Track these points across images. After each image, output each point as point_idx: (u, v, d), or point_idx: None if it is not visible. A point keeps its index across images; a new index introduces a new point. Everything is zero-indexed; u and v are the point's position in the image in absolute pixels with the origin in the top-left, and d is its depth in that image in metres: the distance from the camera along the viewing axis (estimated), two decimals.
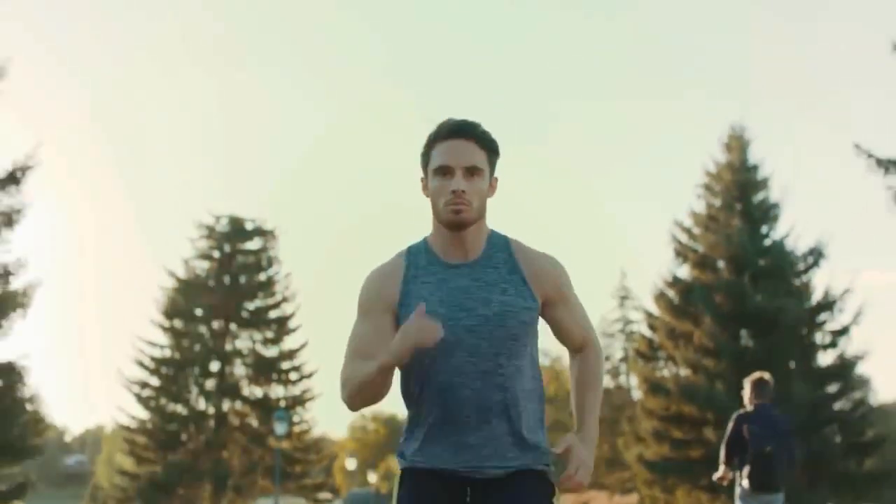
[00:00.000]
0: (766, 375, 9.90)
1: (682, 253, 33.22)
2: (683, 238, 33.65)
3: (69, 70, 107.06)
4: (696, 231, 33.40)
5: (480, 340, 3.27)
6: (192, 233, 40.96)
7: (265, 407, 39.44)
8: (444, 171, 3.29)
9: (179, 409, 39.18)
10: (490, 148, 3.35)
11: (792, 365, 30.82)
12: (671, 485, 32.19)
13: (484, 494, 3.31)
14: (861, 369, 35.24)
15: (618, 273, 51.65)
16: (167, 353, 39.49)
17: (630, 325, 45.71)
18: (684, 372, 32.54)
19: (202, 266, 40.48)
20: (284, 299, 40.65)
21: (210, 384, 39.54)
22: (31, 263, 21.19)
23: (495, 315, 3.27)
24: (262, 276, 40.54)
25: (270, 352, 40.18)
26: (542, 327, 3.48)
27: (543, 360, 56.87)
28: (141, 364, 39.04)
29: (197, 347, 39.49)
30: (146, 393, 39.09)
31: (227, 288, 39.86)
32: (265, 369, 39.85)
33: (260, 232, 40.86)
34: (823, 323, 31.99)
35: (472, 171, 3.29)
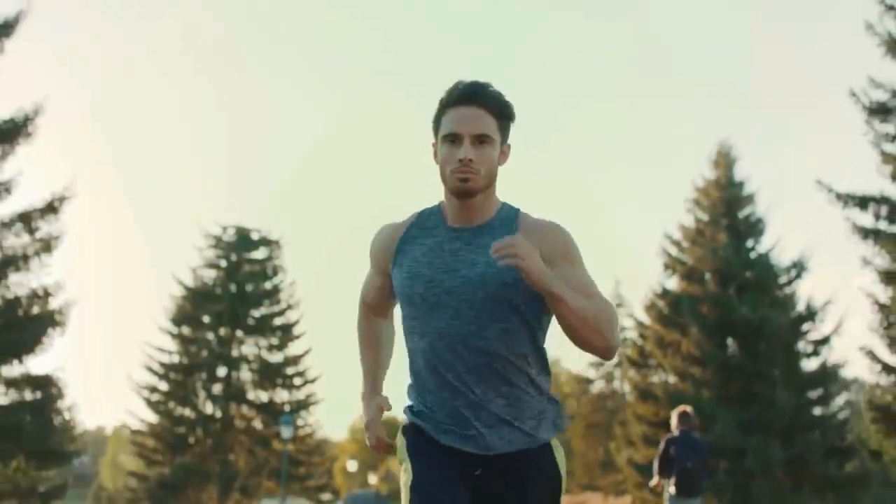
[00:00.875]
0: (689, 409, 12.46)
1: (670, 265, 35.50)
2: (673, 251, 35.93)
3: (68, 70, 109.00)
4: (685, 244, 35.67)
5: (461, 302, 3.28)
6: (199, 242, 43.17)
7: (270, 411, 41.65)
8: (453, 139, 3.30)
9: (187, 412, 41.28)
10: (502, 114, 3.34)
11: (776, 372, 33.01)
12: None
13: (483, 464, 3.30)
14: (855, 371, 37.39)
15: (612, 281, 53.71)
16: (175, 358, 41.62)
17: (623, 331, 47.92)
18: (672, 379, 34.83)
19: (209, 275, 42.65)
20: (289, 307, 42.85)
21: (217, 389, 41.67)
22: (68, 284, 23.44)
23: (477, 276, 3.27)
24: (268, 285, 42.72)
25: (275, 357, 42.36)
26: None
27: None
28: (150, 369, 41.16)
29: (204, 353, 41.60)
30: (155, 397, 41.21)
31: (234, 296, 41.98)
32: (270, 374, 42.02)
33: (265, 242, 43.06)
34: (806, 332, 34.23)
35: (480, 139, 3.29)
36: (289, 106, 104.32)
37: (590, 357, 54.46)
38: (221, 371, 41.75)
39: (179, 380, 41.52)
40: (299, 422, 41.80)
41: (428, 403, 3.35)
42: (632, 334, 42.48)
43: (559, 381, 65.04)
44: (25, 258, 20.95)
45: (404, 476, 3.34)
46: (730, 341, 34.00)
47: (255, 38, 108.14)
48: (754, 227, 35.01)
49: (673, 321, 34.82)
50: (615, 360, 50.74)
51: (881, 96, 19.50)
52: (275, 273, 42.99)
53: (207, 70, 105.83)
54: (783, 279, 34.54)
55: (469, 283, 3.27)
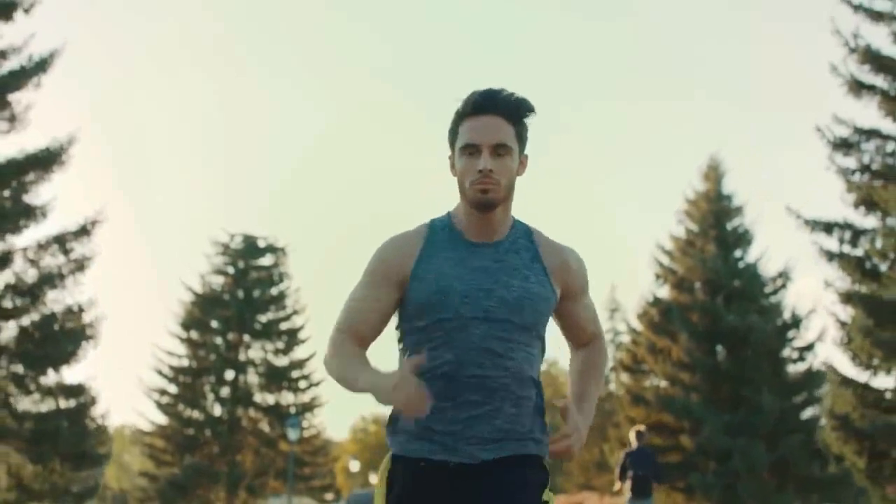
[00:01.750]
0: (643, 428, 15.46)
1: (662, 275, 37.87)
2: (665, 260, 38.29)
3: (67, 71, 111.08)
4: (676, 254, 38.04)
5: (494, 323, 3.26)
6: (207, 249, 45.51)
7: (276, 413, 43.95)
8: (471, 150, 3.27)
9: (196, 414, 43.54)
10: (519, 121, 3.33)
11: (762, 378, 35.32)
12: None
13: (476, 475, 3.27)
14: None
15: (608, 287, 56.05)
16: (185, 362, 43.89)
17: (619, 336, 50.31)
18: (663, 384, 37.19)
19: (217, 281, 44.93)
20: (294, 312, 45.18)
21: (225, 391, 43.95)
22: (100, 301, 25.76)
23: (514, 300, 3.28)
24: (274, 291, 45.02)
25: (281, 361, 44.66)
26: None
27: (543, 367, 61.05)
28: (160, 373, 43.41)
29: (213, 357, 43.85)
30: (165, 399, 43.47)
31: (241, 301, 44.24)
32: (276, 378, 44.32)
33: (272, 249, 45.37)
34: (791, 339, 36.58)
35: (499, 150, 3.27)
36: (289, 107, 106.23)
37: None
38: (229, 374, 43.99)
39: (188, 383, 43.75)
40: (304, 423, 44.03)
41: (429, 420, 3.24)
42: (625, 339, 44.95)
43: (558, 381, 67.34)
44: (61, 277, 23.38)
45: None
46: (718, 348, 36.35)
47: (255, 39, 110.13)
48: (742, 239, 37.37)
49: (664, 328, 37.17)
50: (611, 363, 53.16)
51: (844, 132, 21.87)
52: (281, 279, 45.27)
53: (207, 71, 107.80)
54: (769, 288, 36.90)
55: (506, 305, 3.27)
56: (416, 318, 3.33)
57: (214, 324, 44.28)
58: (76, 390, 24.09)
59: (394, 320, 3.43)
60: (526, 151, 3.41)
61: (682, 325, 35.95)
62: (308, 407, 44.58)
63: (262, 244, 45.34)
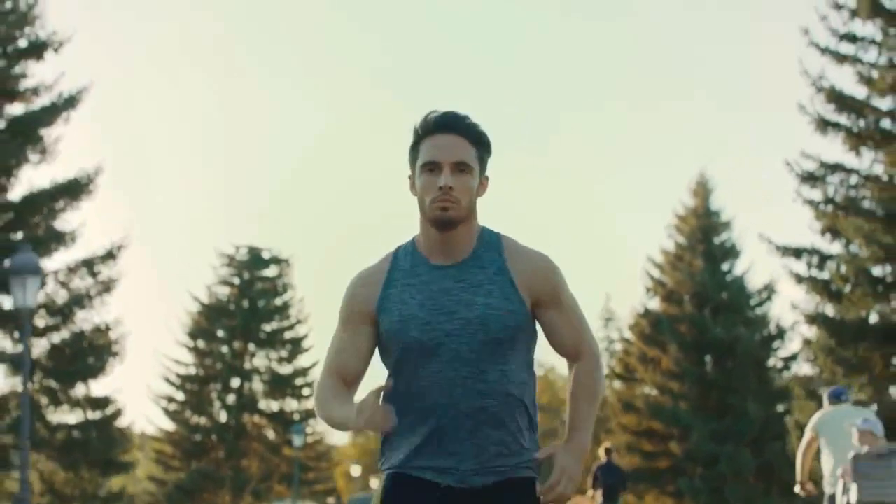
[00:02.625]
0: (611, 444, 18.48)
1: (652, 288, 40.42)
2: (655, 273, 40.80)
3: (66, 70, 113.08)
4: (666, 268, 40.57)
5: (461, 345, 3.26)
6: (213, 260, 47.94)
7: (281, 420, 46.41)
8: (431, 167, 3.30)
9: (203, 421, 45.82)
10: (480, 143, 3.35)
11: (748, 387, 37.82)
12: (642, 491, 39.39)
13: (468, 500, 3.30)
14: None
15: (602, 297, 58.60)
16: (192, 370, 46.19)
17: (613, 344, 52.80)
18: (653, 392, 39.72)
19: (223, 291, 47.33)
20: (298, 321, 47.63)
21: (231, 399, 46.26)
22: (125, 322, 28.36)
23: (477, 318, 3.26)
24: (278, 301, 47.46)
25: (285, 369, 47.05)
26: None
27: (536, 370, 63.45)
28: (168, 380, 45.75)
29: (219, 365, 46.15)
30: (172, 407, 45.83)
31: (246, 311, 46.62)
32: (281, 385, 46.71)
33: (276, 260, 47.78)
34: (776, 350, 39.14)
35: (460, 168, 3.29)
36: (289, 110, 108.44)
37: None
38: (235, 382, 46.31)
39: (195, 390, 46.06)
40: (307, 430, 46.47)
41: (413, 450, 3.33)
42: (619, 347, 47.56)
43: (556, 387, 69.69)
44: (89, 298, 25.85)
45: None
46: (706, 358, 38.90)
47: (255, 40, 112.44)
48: (729, 253, 39.90)
49: (654, 339, 39.70)
50: (606, 370, 55.84)
51: (811, 166, 24.31)
52: (285, 290, 47.70)
53: (206, 72, 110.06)
54: (755, 301, 39.45)
55: (469, 325, 3.26)
56: (388, 350, 3.38)
57: (220, 333, 46.54)
58: (103, 402, 26.64)
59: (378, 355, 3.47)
60: (487, 173, 3.42)
61: (672, 336, 38.45)
62: (311, 414, 46.80)
63: (266, 256, 47.73)
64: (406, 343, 3.31)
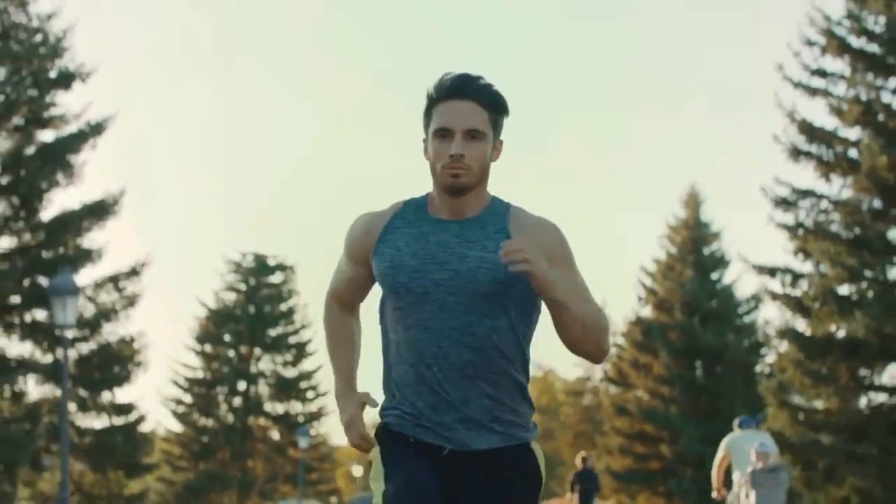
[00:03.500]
0: (586, 453, 21.33)
1: (644, 297, 43.14)
2: (647, 282, 43.47)
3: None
4: (658, 277, 43.22)
5: (448, 296, 3.33)
6: (220, 267, 50.58)
7: (286, 422, 49.07)
8: (444, 134, 3.35)
9: (210, 423, 48.53)
10: (494, 107, 3.40)
11: (736, 392, 40.42)
12: (634, 492, 42.11)
13: (462, 462, 3.37)
14: None
15: (599, 300, 61.19)
16: (199, 374, 48.87)
17: (609, 348, 55.60)
18: (645, 397, 42.38)
19: (230, 297, 49.98)
20: (303, 326, 50.26)
21: (237, 401, 48.99)
22: (148, 334, 31.08)
23: (468, 270, 3.32)
24: (283, 307, 50.10)
25: (290, 373, 49.74)
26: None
27: (535, 372, 66.17)
28: (176, 384, 48.38)
29: (225, 369, 48.78)
30: (181, 409, 48.46)
31: (252, 317, 49.21)
32: (286, 388, 49.38)
33: (281, 267, 50.43)
34: (764, 356, 41.76)
35: (472, 134, 3.34)
36: (289, 111, 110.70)
37: (581, 371, 62.27)
38: (241, 385, 48.97)
39: (203, 393, 48.73)
40: (312, 432, 49.07)
41: (406, 399, 3.40)
42: (612, 352, 50.26)
43: (554, 388, 72.40)
44: (115, 312, 28.50)
45: (380, 485, 3.41)
46: (696, 364, 41.54)
47: (254, 41, 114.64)
48: (718, 262, 42.55)
49: (646, 346, 42.36)
50: (600, 374, 58.40)
51: (784, 192, 26.89)
52: (289, 296, 50.36)
53: (206, 75, 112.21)
54: (743, 309, 42.10)
55: (459, 277, 3.32)
56: (383, 294, 3.50)
57: (227, 337, 49.19)
58: (127, 408, 29.39)
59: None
60: (501, 137, 3.45)
61: (663, 343, 41.10)
62: (315, 416, 49.58)
63: (271, 262, 50.36)
64: (393, 288, 3.41)
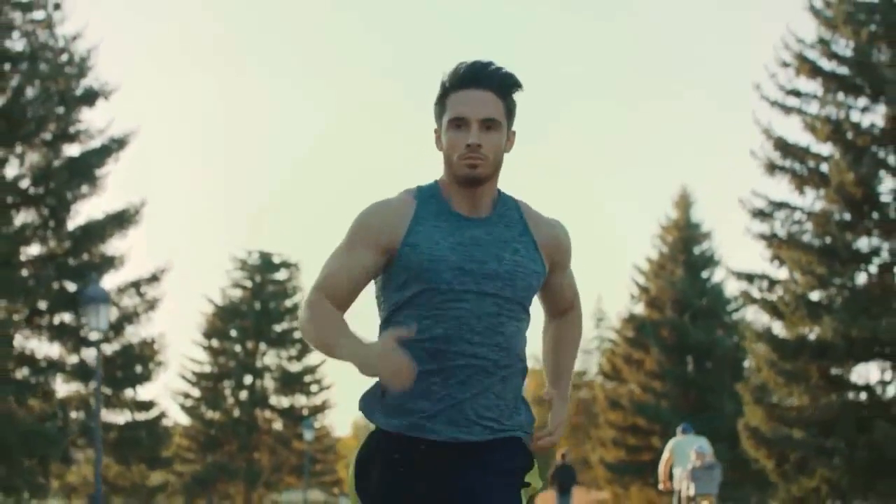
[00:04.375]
0: (565, 450, 23.95)
1: (637, 295, 45.92)
2: (641, 280, 46.22)
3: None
4: (650, 275, 45.97)
5: (486, 296, 3.38)
6: (227, 265, 53.31)
7: (291, 415, 51.81)
8: (459, 124, 3.38)
9: (217, 416, 51.19)
10: (510, 96, 3.45)
11: (724, 386, 43.13)
12: (627, 482, 44.95)
13: (464, 453, 3.40)
14: None
15: (594, 297, 64.06)
16: (206, 368, 51.58)
17: (605, 343, 58.41)
18: (637, 391, 45.16)
19: (236, 294, 52.69)
20: None
21: (243, 395, 51.71)
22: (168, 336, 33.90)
23: (506, 273, 3.39)
24: (288, 303, 52.76)
25: (295, 367, 52.49)
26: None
27: (532, 365, 68.77)
28: (184, 377, 51.01)
29: (232, 363, 51.48)
30: (189, 402, 51.09)
31: (258, 313, 51.87)
32: (290, 382, 52.14)
33: (286, 264, 53.12)
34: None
35: (488, 124, 3.38)
36: (290, 108, 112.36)
37: (577, 365, 64.83)
38: (247, 379, 51.70)
39: (210, 387, 51.43)
40: (316, 424, 51.75)
41: (415, 392, 3.33)
42: (607, 347, 53.14)
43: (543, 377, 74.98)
44: (136, 315, 31.26)
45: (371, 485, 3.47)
46: (686, 360, 44.30)
47: (256, 38, 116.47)
48: (708, 262, 45.30)
49: (638, 342, 45.14)
50: (595, 369, 61.20)
51: (760, 204, 29.53)
52: (294, 292, 53.02)
53: (210, 74, 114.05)
54: (731, 307, 44.84)
55: (497, 278, 3.38)
56: (404, 287, 3.42)
57: (234, 333, 51.86)
58: (148, 405, 32.25)
59: (373, 288, 3.53)
60: (514, 127, 3.50)
61: (655, 340, 43.86)
62: (319, 409, 52.32)
63: (276, 260, 53.05)
64: (434, 283, 3.37)
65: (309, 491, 50.53)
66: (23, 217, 29.98)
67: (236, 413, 51.37)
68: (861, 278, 28.88)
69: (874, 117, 28.97)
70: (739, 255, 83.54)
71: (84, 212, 31.06)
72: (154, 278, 31.52)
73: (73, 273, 30.17)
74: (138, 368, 31.44)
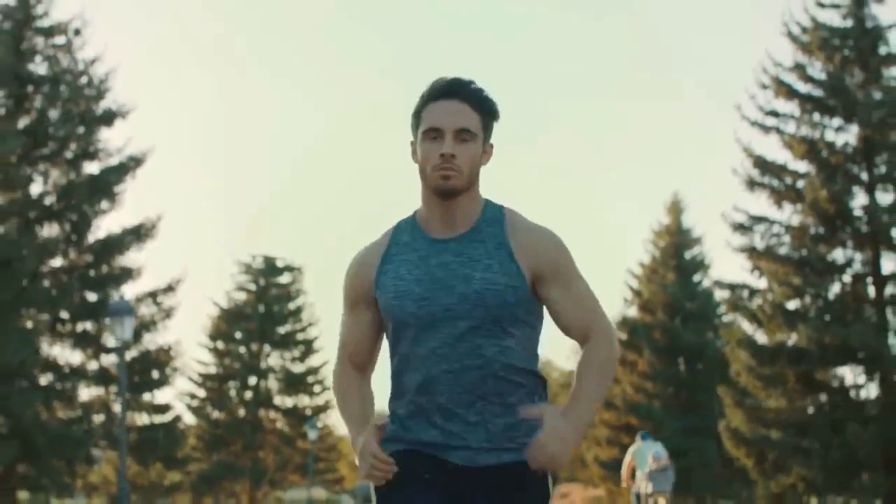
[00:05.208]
0: None
1: (630, 299, 48.54)
2: (634, 284, 48.83)
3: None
4: (643, 279, 48.58)
5: (458, 320, 3.38)
6: (232, 269, 55.84)
7: (294, 414, 54.33)
8: (434, 135, 3.41)
9: (223, 416, 53.61)
10: (485, 110, 3.47)
11: (714, 387, 45.65)
12: (619, 480, 47.50)
13: (471, 483, 3.42)
14: None
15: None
16: (212, 369, 54.11)
17: None
18: (630, 391, 47.78)
19: (241, 297, 55.21)
20: (310, 324, 55.53)
21: (248, 395, 54.23)
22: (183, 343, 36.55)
23: (475, 293, 3.37)
24: (291, 306, 55.31)
25: (298, 368, 55.07)
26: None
27: None
28: (190, 379, 53.35)
29: (237, 365, 53.98)
30: (195, 403, 53.48)
31: (262, 315, 54.35)
32: (294, 383, 54.69)
33: (289, 268, 55.65)
34: None
35: (463, 135, 3.40)
36: (290, 108, 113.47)
37: (573, 365, 67.57)
38: (252, 380, 54.20)
39: (216, 388, 53.86)
40: (319, 424, 54.18)
41: (415, 428, 3.45)
42: None
43: (551, 378, 77.58)
44: (153, 323, 33.88)
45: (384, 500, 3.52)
46: (678, 361, 46.90)
47: (256, 37, 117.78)
48: (699, 266, 47.90)
49: (631, 344, 47.72)
50: None
51: (741, 218, 32.02)
52: (297, 295, 55.59)
53: (212, 73, 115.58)
54: (721, 310, 47.40)
55: (466, 300, 3.37)
56: (387, 326, 3.55)
57: (238, 335, 54.36)
58: (165, 408, 34.94)
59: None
60: (492, 141, 3.52)
61: (647, 342, 46.47)
62: (322, 409, 54.74)
63: (280, 264, 55.60)
64: (402, 318, 3.45)
65: (312, 489, 52.83)
66: (46, 231, 32.56)
67: (241, 413, 53.68)
68: (835, 288, 31.40)
69: (847, 136, 31.49)
70: (729, 260, 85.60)
71: (104, 226, 33.52)
72: (170, 288, 34.11)
73: (93, 284, 32.81)
74: (155, 374, 34.02)
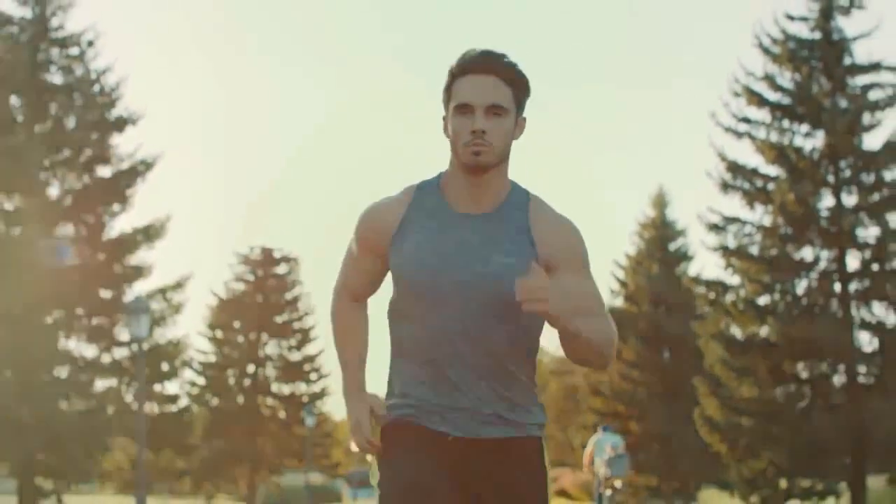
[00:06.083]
0: None
1: (616, 290, 51.49)
2: (620, 275, 51.77)
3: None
4: (628, 271, 51.52)
5: (469, 299, 3.46)
6: (230, 259, 58.67)
7: (292, 402, 57.04)
8: (465, 110, 3.45)
9: (222, 403, 56.30)
10: (517, 84, 3.50)
11: (698, 376, 48.64)
12: None
13: (471, 456, 3.53)
14: None
15: None
16: (211, 358, 56.85)
17: None
18: (617, 380, 50.75)
19: (239, 287, 57.99)
20: (306, 314, 58.25)
21: (246, 383, 56.92)
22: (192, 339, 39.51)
23: (492, 274, 3.44)
24: (288, 296, 58.07)
25: (295, 357, 57.78)
26: None
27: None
28: (190, 367, 56.06)
29: (235, 353, 56.75)
30: (195, 391, 56.07)
31: (260, 305, 57.11)
32: (291, 371, 57.44)
33: (286, 259, 58.44)
34: None
35: (495, 110, 3.44)
36: (294, 97, 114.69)
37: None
38: (250, 368, 56.89)
39: (215, 376, 56.64)
40: (315, 410, 56.97)
41: (417, 395, 3.55)
42: None
43: (542, 362, 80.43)
44: (163, 318, 36.79)
45: (384, 473, 3.60)
46: (661, 350, 49.88)
47: (259, 27, 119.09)
48: (683, 258, 50.84)
49: (618, 334, 50.58)
50: None
51: (715, 219, 34.91)
52: (294, 286, 58.36)
53: (211, 60, 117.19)
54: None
55: (482, 280, 3.44)
56: (395, 287, 3.63)
57: (237, 324, 57.07)
58: (174, 398, 37.97)
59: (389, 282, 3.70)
60: (524, 115, 3.56)
61: (632, 332, 49.44)
62: (318, 396, 57.51)
63: (277, 255, 58.40)
64: (414, 287, 3.53)
65: (310, 474, 55.57)
66: (62, 232, 35.44)
67: (240, 400, 56.33)
68: (803, 285, 34.32)
69: (814, 142, 34.24)
70: (709, 255, 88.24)
71: (116, 227, 36.34)
72: (178, 285, 37.04)
73: (107, 281, 35.70)
74: (165, 366, 36.95)
